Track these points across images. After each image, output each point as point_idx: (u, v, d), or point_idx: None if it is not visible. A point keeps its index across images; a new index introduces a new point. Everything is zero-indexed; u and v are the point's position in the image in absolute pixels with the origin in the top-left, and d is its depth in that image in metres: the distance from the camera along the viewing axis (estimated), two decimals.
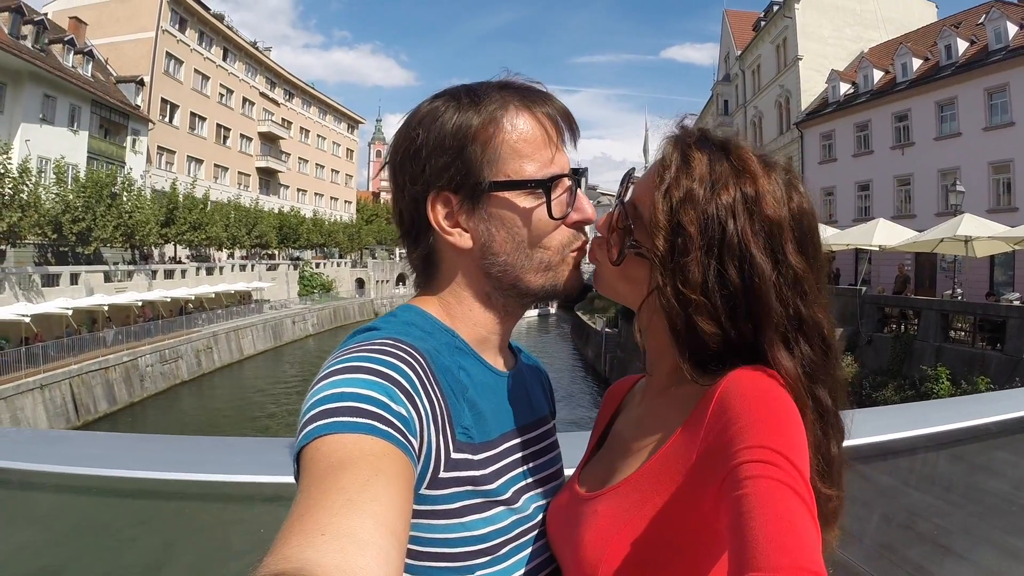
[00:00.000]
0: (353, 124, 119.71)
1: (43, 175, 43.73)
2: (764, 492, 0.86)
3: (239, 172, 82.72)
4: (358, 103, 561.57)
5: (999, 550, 3.43)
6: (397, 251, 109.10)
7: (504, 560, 1.23)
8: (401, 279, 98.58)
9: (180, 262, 59.63)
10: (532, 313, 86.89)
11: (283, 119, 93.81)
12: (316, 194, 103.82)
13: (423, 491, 1.11)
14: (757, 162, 1.18)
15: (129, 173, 54.60)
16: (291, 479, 0.98)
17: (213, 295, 56.61)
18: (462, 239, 1.30)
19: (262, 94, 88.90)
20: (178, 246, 59.46)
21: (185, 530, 2.97)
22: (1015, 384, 20.37)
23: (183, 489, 2.67)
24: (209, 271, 61.25)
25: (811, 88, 57.24)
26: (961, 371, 23.98)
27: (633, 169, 1.38)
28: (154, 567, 2.88)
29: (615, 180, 1.42)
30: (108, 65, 61.86)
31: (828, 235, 31.87)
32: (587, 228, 1.37)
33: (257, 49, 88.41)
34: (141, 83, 62.13)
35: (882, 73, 50.58)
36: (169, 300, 50.26)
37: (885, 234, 31.18)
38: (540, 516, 1.34)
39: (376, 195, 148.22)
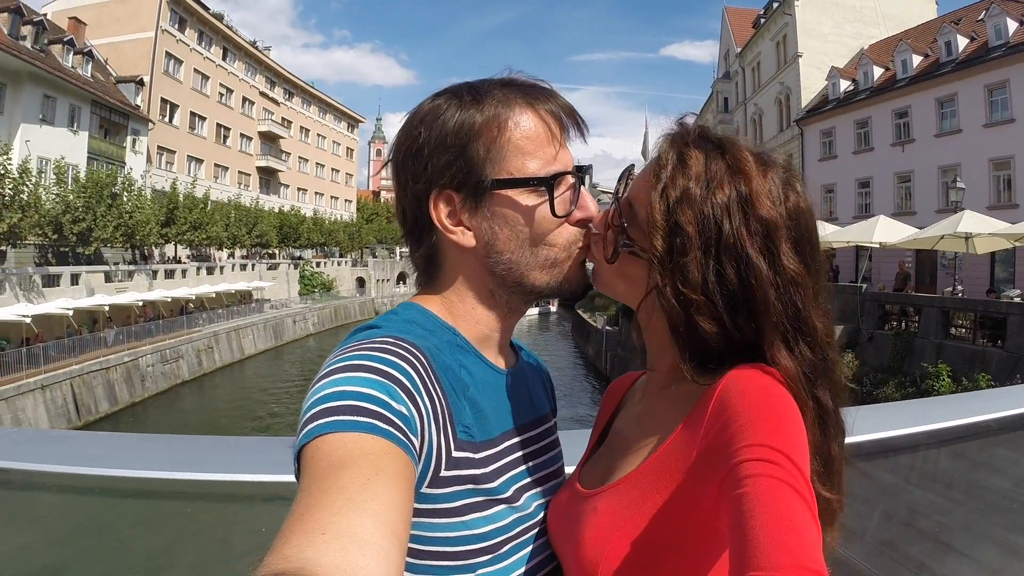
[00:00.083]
0: (353, 123, 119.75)
1: (43, 176, 43.75)
2: (765, 491, 0.86)
3: (239, 171, 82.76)
4: (358, 102, 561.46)
5: (1000, 547, 3.43)
6: (398, 250, 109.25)
7: (505, 558, 1.23)
8: (402, 278, 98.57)
9: (180, 262, 59.59)
10: (533, 311, 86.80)
11: (283, 118, 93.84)
12: (316, 193, 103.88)
13: (424, 490, 1.11)
14: (754, 161, 1.17)
15: (129, 173, 54.64)
16: (292, 478, 0.97)
17: (214, 295, 56.62)
18: (465, 237, 1.30)
19: (262, 93, 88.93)
20: (178, 246, 59.47)
21: (186, 529, 2.96)
22: (1016, 381, 20.38)
23: (184, 488, 2.67)
24: (210, 271, 61.28)
25: (811, 85, 57.23)
26: (962, 368, 23.98)
27: (632, 166, 1.37)
28: (155, 567, 2.88)
29: (614, 178, 1.41)
30: (108, 65, 61.85)
31: (828, 232, 31.87)
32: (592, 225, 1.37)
33: (257, 48, 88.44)
34: (141, 83, 62.14)
35: (882, 70, 50.58)
36: (170, 300, 50.28)
37: (885, 231, 31.18)
38: (541, 514, 1.34)
39: (376, 194, 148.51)
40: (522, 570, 1.26)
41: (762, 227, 1.12)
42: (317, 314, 73.47)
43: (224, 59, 79.81)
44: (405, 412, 1.03)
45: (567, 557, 1.24)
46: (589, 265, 1.39)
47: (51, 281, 41.39)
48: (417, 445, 1.05)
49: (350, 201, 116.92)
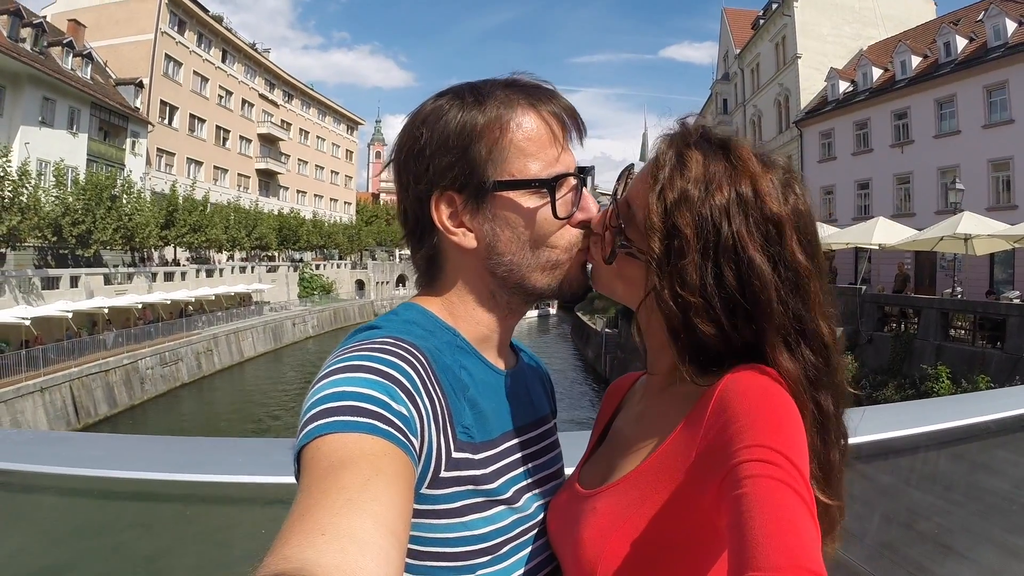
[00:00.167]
0: (352, 125, 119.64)
1: (43, 178, 43.73)
2: (764, 491, 0.86)
3: (239, 174, 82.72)
4: (357, 104, 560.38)
5: (1000, 549, 3.43)
6: (397, 252, 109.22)
7: (505, 559, 1.23)
8: (401, 280, 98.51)
9: (179, 264, 59.56)
10: (532, 313, 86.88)
11: (282, 120, 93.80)
12: (316, 195, 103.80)
13: (424, 491, 1.11)
14: (756, 161, 1.17)
15: (129, 175, 54.70)
16: (292, 480, 0.97)
17: (213, 297, 56.63)
18: (466, 239, 1.30)
19: (261, 96, 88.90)
20: (178, 248, 59.43)
21: (186, 531, 2.97)
22: (1015, 382, 20.37)
23: (184, 490, 2.67)
24: (209, 273, 61.23)
25: (810, 86, 57.27)
26: (961, 370, 23.97)
27: (631, 165, 1.37)
28: (155, 568, 2.88)
29: (614, 180, 1.41)
30: (107, 67, 61.89)
31: (827, 234, 31.88)
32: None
33: (256, 51, 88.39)
34: (140, 85, 62.13)
35: (881, 71, 50.60)
36: (169, 302, 50.24)
37: (885, 233, 31.19)
38: (541, 515, 1.34)
39: (376, 196, 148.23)
40: (522, 571, 1.26)
41: (764, 227, 1.11)
42: (316, 317, 73.47)
43: (223, 61, 79.80)
44: (405, 413, 1.03)
45: (566, 557, 1.24)
46: (589, 266, 1.39)
47: (50, 283, 41.35)
48: (417, 446, 1.05)
49: (349, 203, 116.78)
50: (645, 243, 1.17)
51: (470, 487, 1.18)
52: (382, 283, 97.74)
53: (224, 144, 79.74)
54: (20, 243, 40.95)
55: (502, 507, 1.24)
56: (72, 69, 52.76)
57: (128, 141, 59.61)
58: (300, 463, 0.96)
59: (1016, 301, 27.47)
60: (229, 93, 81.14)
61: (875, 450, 2.99)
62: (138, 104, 61.69)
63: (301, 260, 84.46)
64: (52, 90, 49.00)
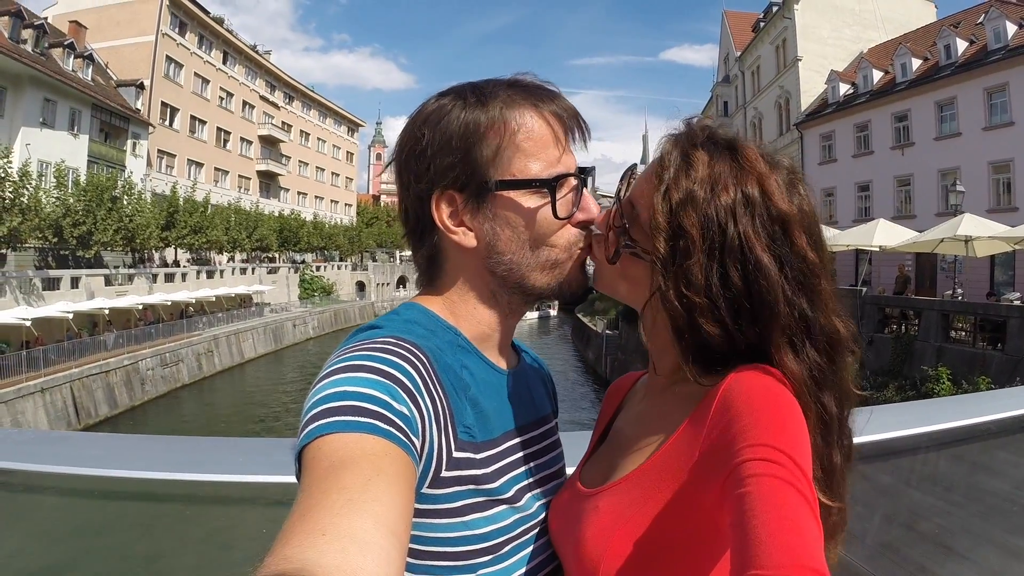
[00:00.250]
0: (353, 127, 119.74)
1: (43, 179, 43.74)
2: (767, 490, 0.86)
3: (239, 175, 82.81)
4: (358, 106, 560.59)
5: (1001, 550, 3.43)
6: (397, 254, 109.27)
7: (506, 559, 1.23)
8: (402, 282, 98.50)
9: (179, 265, 59.54)
10: (533, 315, 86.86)
11: (283, 122, 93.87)
12: (316, 197, 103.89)
13: (425, 490, 1.11)
14: (762, 161, 1.17)
15: (129, 177, 54.70)
16: (293, 479, 0.97)
17: (214, 298, 56.64)
18: (467, 238, 1.30)
19: (262, 97, 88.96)
20: (178, 250, 59.41)
21: (187, 530, 2.97)
22: (1016, 383, 20.36)
23: (185, 489, 2.67)
24: (210, 274, 61.24)
25: (811, 89, 57.26)
26: (962, 371, 23.97)
27: (635, 165, 1.37)
28: (155, 567, 2.88)
29: (614, 182, 1.40)
30: (108, 69, 61.98)
31: (828, 236, 31.07)
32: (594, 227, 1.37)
33: (257, 52, 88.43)
34: (141, 87, 62.23)
35: (881, 73, 50.60)
36: (170, 304, 50.25)
37: (885, 234, 31.17)
38: (543, 514, 1.34)
39: (376, 198, 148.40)
40: (523, 570, 1.26)
41: (770, 227, 1.12)
42: (317, 318, 73.43)
43: (224, 63, 79.86)
44: (406, 412, 1.03)
45: (568, 556, 1.24)
46: (590, 267, 1.39)
47: (51, 284, 41.36)
48: (418, 446, 1.05)
49: (350, 205, 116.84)
50: (650, 243, 1.17)
51: (471, 486, 1.18)
52: (383, 284, 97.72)
53: (225, 146, 79.81)
54: (21, 244, 41.00)
55: (503, 506, 1.23)
56: (73, 70, 52.84)
57: (129, 142, 59.69)
58: (301, 463, 0.96)
59: (1016, 303, 27.43)
60: (230, 95, 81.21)
61: (876, 450, 2.99)
62: (139, 105, 61.76)
63: (303, 262, 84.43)
64: (53, 91, 49.07)
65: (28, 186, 39.21)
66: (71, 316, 37.73)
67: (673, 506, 1.09)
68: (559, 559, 1.31)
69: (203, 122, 75.11)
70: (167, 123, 68.17)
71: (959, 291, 32.26)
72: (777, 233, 1.11)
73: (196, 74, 73.58)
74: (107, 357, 38.20)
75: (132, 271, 50.64)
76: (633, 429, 1.32)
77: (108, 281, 46.90)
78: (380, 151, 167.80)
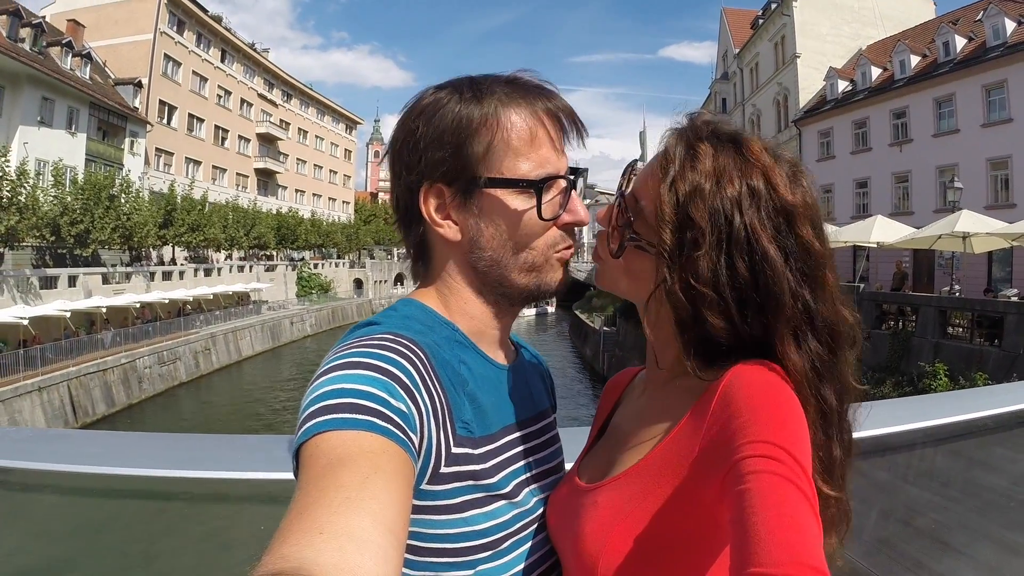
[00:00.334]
0: (351, 125, 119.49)
1: (41, 177, 43.68)
2: (767, 487, 0.86)
3: (237, 173, 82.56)
4: (356, 104, 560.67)
5: (998, 545, 3.44)
6: (395, 251, 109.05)
7: (505, 555, 1.23)
8: (399, 279, 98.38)
9: (176, 263, 59.47)
10: (530, 311, 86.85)
11: (281, 120, 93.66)
12: (314, 195, 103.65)
13: (424, 487, 1.11)
14: (766, 154, 1.17)
15: (127, 175, 54.55)
16: (292, 476, 0.98)
17: (211, 296, 56.55)
18: (451, 231, 1.31)
19: (260, 95, 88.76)
20: (176, 248, 59.34)
21: (185, 527, 2.97)
22: (1013, 380, 20.37)
23: (183, 487, 2.67)
24: (207, 272, 61.09)
25: (809, 86, 57.25)
26: (959, 367, 23.95)
27: (636, 161, 1.37)
28: (155, 565, 2.88)
29: (613, 179, 1.40)
30: (106, 67, 61.83)
31: (826, 232, 31.83)
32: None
33: (255, 50, 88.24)
34: (139, 85, 62.06)
35: (880, 70, 50.59)
36: (167, 302, 50.19)
37: (883, 231, 31.17)
38: (541, 510, 1.34)
39: (374, 195, 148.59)
40: (522, 566, 1.26)
41: (779, 217, 1.12)
42: (315, 316, 73.27)
43: (222, 61, 79.65)
44: (404, 409, 1.04)
45: (567, 552, 1.25)
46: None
47: (48, 283, 41.27)
48: (416, 442, 1.05)
49: (348, 203, 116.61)
50: (655, 235, 1.17)
51: (470, 482, 1.18)
52: (380, 282, 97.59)
53: (223, 144, 79.59)
54: (18, 243, 40.93)
55: (502, 502, 1.24)
56: (71, 69, 52.73)
57: (127, 141, 59.57)
58: (299, 461, 0.97)
59: (1014, 299, 27.49)
60: (228, 93, 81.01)
61: (873, 446, 3.00)
62: (137, 104, 61.61)
63: (300, 259, 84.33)
64: (51, 90, 48.96)
65: (26, 185, 39.15)
66: (68, 315, 37.68)
67: (672, 502, 1.09)
68: (558, 555, 1.31)
69: (201, 120, 74.91)
70: (165, 121, 67.98)
71: (956, 287, 32.23)
72: (782, 225, 1.12)
73: (194, 72, 73.35)
74: (104, 355, 38.14)
75: (129, 269, 50.54)
76: (632, 424, 1.32)
77: (105, 279, 46.82)
78: (378, 148, 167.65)
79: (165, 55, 67.59)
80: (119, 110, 57.94)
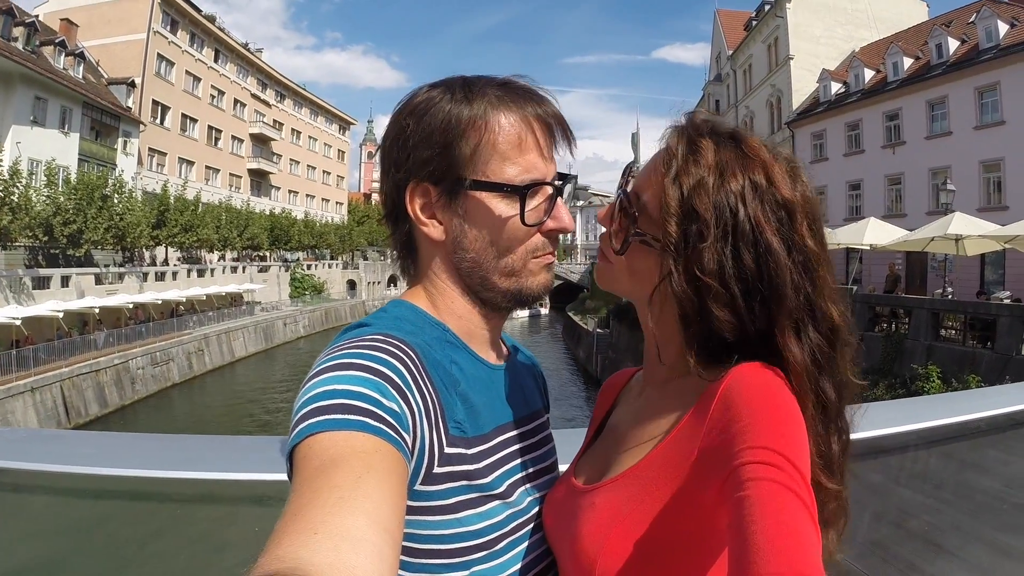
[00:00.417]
0: (345, 125, 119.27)
1: (34, 177, 43.62)
2: (766, 495, 0.87)
3: (230, 174, 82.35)
4: (350, 104, 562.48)
5: (990, 547, 3.44)
6: (389, 253, 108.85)
7: (500, 555, 1.23)
8: (393, 280, 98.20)
9: (168, 264, 59.37)
10: (523, 313, 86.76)
11: (275, 120, 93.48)
12: (307, 195, 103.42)
13: (418, 487, 1.12)
14: (765, 150, 1.19)
15: (120, 175, 54.49)
16: (285, 477, 0.98)
17: (204, 297, 56.45)
18: (435, 231, 1.32)
19: (253, 95, 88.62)
20: (169, 248, 59.21)
21: (179, 528, 2.96)
22: (1005, 382, 20.41)
23: (177, 488, 2.67)
24: (200, 273, 61.02)
25: (802, 87, 57.38)
26: (952, 370, 23.98)
27: (634, 162, 1.38)
28: (148, 566, 2.88)
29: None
30: (99, 67, 61.67)
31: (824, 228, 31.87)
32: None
33: (248, 50, 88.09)
34: (132, 85, 61.92)
35: (873, 72, 50.72)
36: (160, 302, 50.10)
37: (876, 233, 31.19)
38: (535, 510, 1.34)
39: (367, 196, 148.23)
40: (517, 567, 1.26)
41: (780, 211, 1.13)
42: (308, 316, 73.26)
43: (216, 61, 79.46)
44: (396, 409, 1.04)
45: (564, 553, 1.25)
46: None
47: (41, 283, 41.24)
48: (409, 442, 1.06)
49: (341, 203, 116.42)
50: (659, 229, 1.18)
51: (464, 482, 1.18)
52: (373, 283, 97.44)
53: (216, 144, 79.39)
54: (11, 243, 40.90)
55: (496, 502, 1.24)
56: (64, 68, 52.65)
57: (120, 141, 59.40)
58: (292, 462, 0.97)
59: (1006, 301, 27.56)
60: (221, 93, 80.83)
61: (865, 448, 3.00)
62: (130, 104, 61.47)
63: (295, 260, 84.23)
64: (44, 89, 48.88)
65: (18, 184, 39.18)
66: (61, 315, 37.70)
67: (671, 504, 1.09)
68: (553, 555, 1.31)
69: (194, 120, 74.72)
70: (158, 121, 67.82)
71: (949, 290, 32.32)
72: (784, 218, 1.13)
73: (187, 72, 73.19)
74: (97, 356, 38.14)
75: (122, 270, 50.47)
76: (630, 425, 1.32)
77: (98, 280, 46.77)
78: (371, 149, 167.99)
79: (158, 55, 67.47)
80: (112, 110, 57.82)
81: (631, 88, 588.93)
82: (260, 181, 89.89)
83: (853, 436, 1.18)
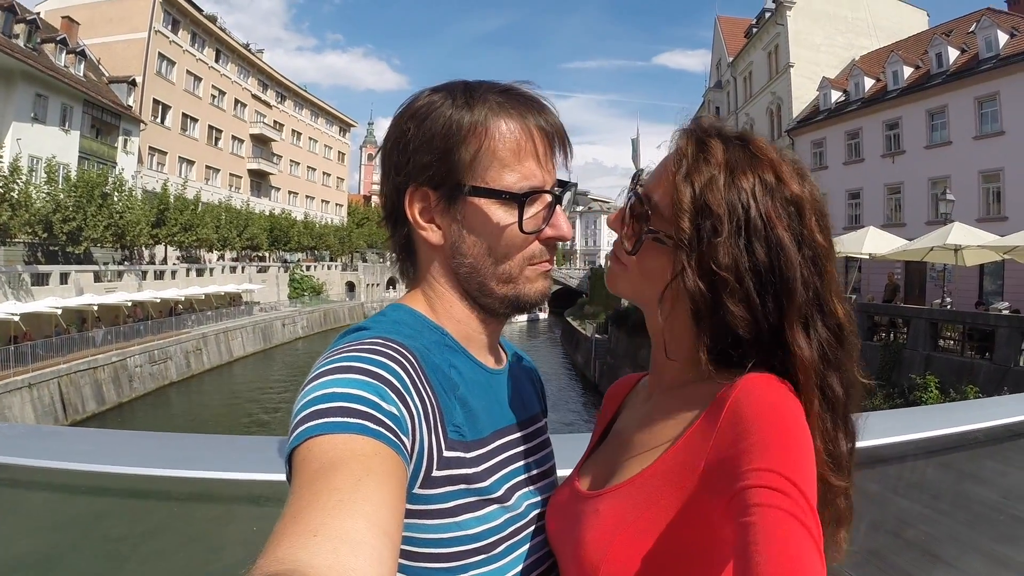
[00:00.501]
0: (345, 127, 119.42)
1: (34, 174, 43.69)
2: (771, 523, 0.87)
3: (230, 174, 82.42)
4: (350, 106, 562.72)
5: (987, 558, 3.44)
6: (388, 255, 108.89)
7: (498, 559, 1.23)
8: (392, 283, 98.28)
9: (168, 262, 59.38)
10: (522, 318, 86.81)
11: (275, 121, 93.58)
12: (307, 196, 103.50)
13: (416, 490, 1.12)
14: (772, 150, 1.21)
15: (120, 173, 54.56)
16: (283, 477, 0.99)
17: (203, 296, 56.46)
18: (434, 235, 1.32)
19: (254, 96, 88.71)
20: (168, 247, 59.23)
21: (177, 527, 2.96)
22: (1003, 393, 20.41)
23: (175, 486, 2.66)
24: (199, 272, 61.08)
25: (802, 95, 57.45)
26: (950, 380, 23.95)
27: (642, 170, 1.39)
28: (146, 564, 2.88)
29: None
30: (100, 65, 61.73)
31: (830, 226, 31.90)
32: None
33: (250, 51, 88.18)
34: (133, 83, 61.96)
35: (873, 81, 50.80)
36: (159, 301, 50.15)
37: (875, 242, 31.14)
38: (533, 514, 1.34)
39: (367, 198, 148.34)
40: (516, 570, 1.27)
41: (790, 207, 1.15)
42: (306, 317, 73.32)
43: (217, 61, 79.54)
44: (395, 413, 1.04)
45: (566, 558, 1.25)
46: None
47: (40, 280, 41.29)
48: (408, 445, 1.06)
49: (341, 205, 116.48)
50: (672, 227, 1.19)
51: (463, 486, 1.18)
52: (372, 285, 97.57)
53: (216, 144, 79.45)
54: (10, 239, 40.91)
55: (495, 506, 1.24)
56: (65, 66, 52.70)
57: (120, 139, 59.48)
58: (291, 465, 0.97)
59: (1005, 312, 27.55)
60: (222, 93, 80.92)
61: (863, 458, 2.98)
62: (131, 102, 61.51)
63: (295, 261, 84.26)
64: (45, 87, 48.93)
65: (18, 181, 39.21)
66: (60, 312, 37.72)
67: (677, 514, 1.09)
68: (552, 560, 1.32)
69: (195, 120, 74.79)
70: (159, 120, 67.87)
71: (948, 300, 32.36)
72: (794, 214, 1.15)
73: (188, 72, 73.25)
74: (95, 353, 38.19)
75: (121, 268, 50.55)
76: (635, 431, 1.32)
77: (97, 277, 46.84)
78: (371, 151, 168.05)
79: (159, 54, 67.53)
80: (113, 108, 57.86)
81: (631, 94, 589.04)
82: (260, 182, 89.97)
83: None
